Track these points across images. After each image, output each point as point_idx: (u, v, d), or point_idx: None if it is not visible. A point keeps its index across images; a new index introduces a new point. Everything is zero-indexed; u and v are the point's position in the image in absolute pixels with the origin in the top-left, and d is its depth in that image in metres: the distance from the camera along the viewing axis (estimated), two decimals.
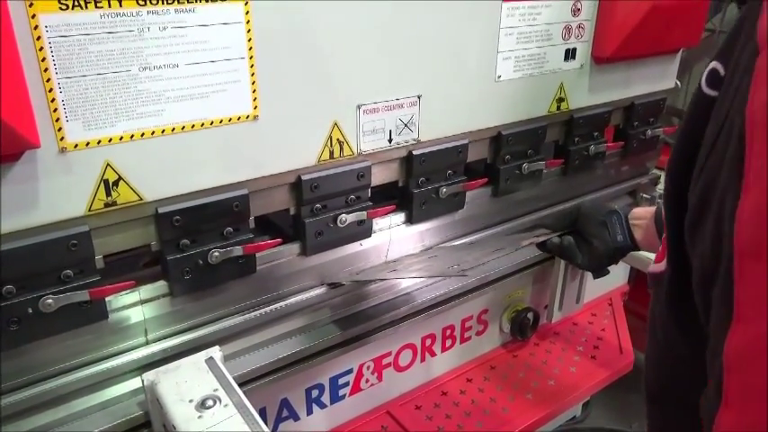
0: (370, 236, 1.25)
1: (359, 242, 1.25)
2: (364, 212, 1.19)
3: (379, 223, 1.27)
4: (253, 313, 1.14)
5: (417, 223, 1.33)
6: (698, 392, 0.74)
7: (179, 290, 1.04)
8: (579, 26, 1.41)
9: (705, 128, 0.60)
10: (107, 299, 0.97)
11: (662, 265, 0.73)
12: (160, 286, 1.03)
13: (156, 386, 0.94)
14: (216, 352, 1.02)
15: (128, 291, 1.00)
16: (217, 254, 1.03)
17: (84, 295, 0.91)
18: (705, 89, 0.62)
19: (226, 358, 1.06)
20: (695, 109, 0.64)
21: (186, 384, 0.93)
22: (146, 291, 1.02)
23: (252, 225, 1.08)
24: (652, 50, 1.56)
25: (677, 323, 0.71)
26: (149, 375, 0.96)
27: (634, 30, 1.43)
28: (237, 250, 1.04)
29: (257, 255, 1.10)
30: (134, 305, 1.01)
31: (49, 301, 0.89)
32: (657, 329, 0.78)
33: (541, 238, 1.30)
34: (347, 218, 1.17)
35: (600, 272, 1.31)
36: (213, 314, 1.11)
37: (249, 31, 0.96)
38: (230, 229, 1.05)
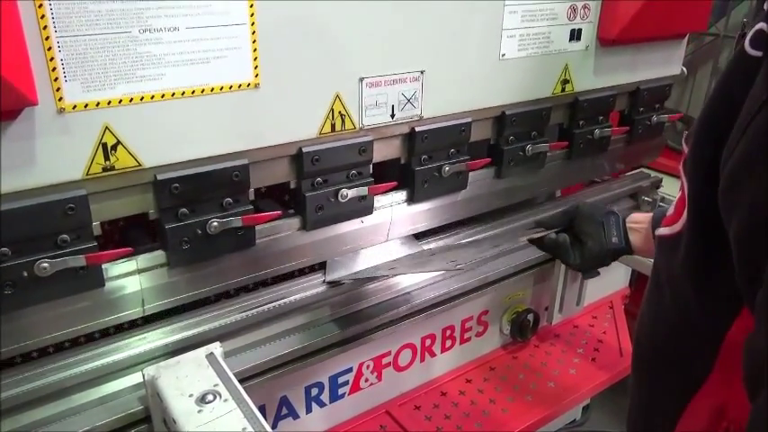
0: (371, 213, 1.25)
1: (360, 219, 1.25)
2: (365, 188, 1.19)
3: (380, 201, 1.27)
4: (253, 310, 1.15)
5: (419, 202, 1.33)
6: (693, 356, 0.75)
7: (177, 260, 1.03)
8: (584, 6, 1.41)
9: (746, 87, 0.62)
10: (103, 266, 0.97)
11: (675, 227, 0.75)
12: (158, 256, 1.03)
13: (157, 381, 0.94)
14: (216, 348, 1.02)
15: (124, 259, 1.00)
16: (216, 224, 1.02)
17: (80, 260, 0.91)
18: (749, 50, 0.64)
19: (226, 355, 1.07)
20: (736, 69, 0.66)
21: (187, 379, 0.94)
22: (143, 260, 1.02)
23: (252, 197, 1.08)
24: (658, 34, 1.56)
25: (695, 281, 0.73)
26: (150, 370, 0.97)
27: (640, 11, 1.43)
28: (236, 221, 1.04)
29: (257, 228, 1.10)
30: (131, 274, 1.01)
31: (45, 265, 0.88)
32: (665, 289, 0.79)
33: (538, 235, 1.31)
34: (348, 193, 1.16)
35: (590, 273, 1.31)
36: (211, 287, 1.10)
37: None
38: (229, 199, 1.05)
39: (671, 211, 0.78)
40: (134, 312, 1.04)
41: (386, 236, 1.32)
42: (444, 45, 1.22)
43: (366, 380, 1.42)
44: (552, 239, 1.29)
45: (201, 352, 1.01)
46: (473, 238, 1.49)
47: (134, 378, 1.03)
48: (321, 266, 1.28)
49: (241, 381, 1.00)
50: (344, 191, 1.16)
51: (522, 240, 1.38)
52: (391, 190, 1.26)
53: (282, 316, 1.19)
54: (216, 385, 0.92)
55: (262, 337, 1.17)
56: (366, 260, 1.31)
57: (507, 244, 1.48)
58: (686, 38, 1.70)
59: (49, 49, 0.82)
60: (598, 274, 1.32)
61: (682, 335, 0.78)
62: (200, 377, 0.95)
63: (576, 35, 1.43)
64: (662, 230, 0.79)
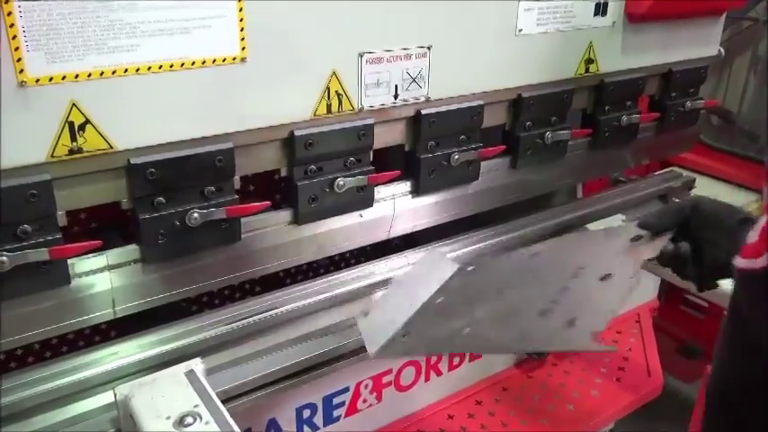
0: (371, 205, 1.23)
1: (359, 212, 1.23)
2: (365, 177, 1.17)
3: (381, 192, 1.25)
4: (239, 323, 1.13)
5: (425, 194, 1.31)
6: None
7: (152, 255, 1.02)
8: None
9: None
10: (69, 261, 0.95)
11: (760, 262, 0.69)
12: (131, 250, 1.01)
13: (130, 401, 0.93)
14: (197, 364, 1.01)
15: (94, 253, 0.98)
16: (196, 215, 1.01)
17: (43, 254, 0.89)
18: None
19: (208, 372, 1.05)
20: None
21: (163, 399, 0.93)
22: (114, 255, 1.00)
23: (237, 186, 1.06)
24: (692, 9, 1.55)
25: None
26: (122, 389, 0.95)
27: None
28: (219, 212, 1.03)
29: (242, 221, 1.08)
30: (100, 270, 0.99)
31: (3, 258, 0.87)
32: (746, 329, 0.76)
33: (655, 244, 1.13)
34: (345, 182, 1.15)
35: (709, 284, 1.19)
36: (190, 287, 1.09)
37: None
38: (212, 188, 1.03)
39: (753, 238, 0.71)
40: (104, 314, 1.02)
41: (387, 231, 1.30)
42: (454, 18, 1.20)
43: (364, 401, 1.40)
44: (671, 251, 1.14)
45: (180, 369, 1.00)
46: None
47: (105, 397, 1.01)
48: (315, 272, 1.27)
49: (224, 401, 0.99)
50: (341, 180, 1.14)
51: (642, 258, 1.19)
52: (394, 180, 1.24)
53: (270, 329, 1.17)
54: (196, 406, 0.91)
55: (248, 353, 1.14)
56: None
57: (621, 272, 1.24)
58: (723, 15, 1.68)
59: (9, 14, 0.81)
60: (716, 286, 1.19)
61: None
62: (179, 397, 0.93)
63: (601, 10, 1.41)
64: (741, 263, 0.72)
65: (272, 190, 1.32)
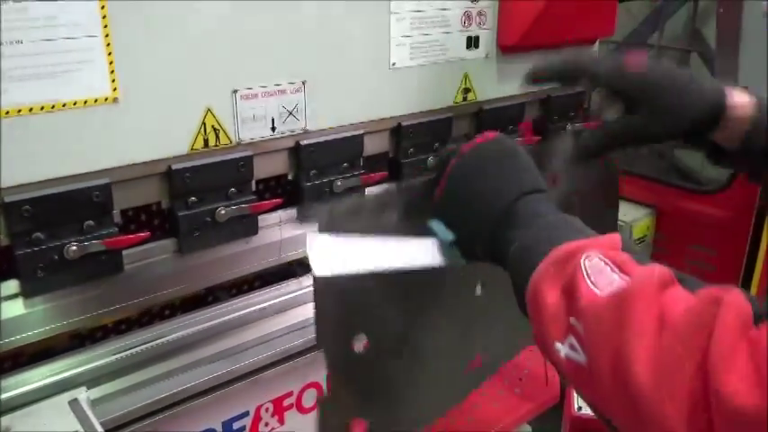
0: (256, 233, 1.31)
1: (245, 240, 1.30)
2: (246, 206, 1.25)
3: (267, 219, 1.33)
4: (127, 352, 1.19)
5: (311, 219, 1.39)
6: None
7: (32, 289, 1.07)
8: (480, 13, 1.53)
9: None
10: None
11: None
12: (10, 285, 1.06)
13: None
14: (81, 393, 1.06)
15: None
16: (74, 248, 1.07)
17: None
18: None
19: (98, 401, 1.09)
20: None
21: (44, 428, 0.97)
22: None
23: (117, 219, 1.13)
24: (563, 39, 1.69)
25: None
26: (4, 421, 0.99)
27: (539, 16, 1.56)
28: (97, 245, 1.09)
29: (125, 252, 1.15)
30: None
31: None
32: None
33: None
34: (225, 212, 1.22)
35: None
36: (74, 320, 1.14)
37: (104, 7, 1.03)
38: (91, 222, 1.09)
39: None
40: None
41: (277, 256, 1.38)
42: (327, 54, 1.30)
43: (266, 424, 1.43)
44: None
45: (64, 398, 1.04)
46: None
47: None
48: (204, 300, 1.31)
49: (116, 428, 1.04)
50: (222, 210, 1.22)
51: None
52: (279, 208, 1.32)
53: (163, 356, 1.23)
54: None
55: (139, 380, 1.20)
56: None
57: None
58: (596, 44, 1.84)
59: None
60: None
61: None
62: (60, 426, 0.97)
63: (473, 43, 1.54)
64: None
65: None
